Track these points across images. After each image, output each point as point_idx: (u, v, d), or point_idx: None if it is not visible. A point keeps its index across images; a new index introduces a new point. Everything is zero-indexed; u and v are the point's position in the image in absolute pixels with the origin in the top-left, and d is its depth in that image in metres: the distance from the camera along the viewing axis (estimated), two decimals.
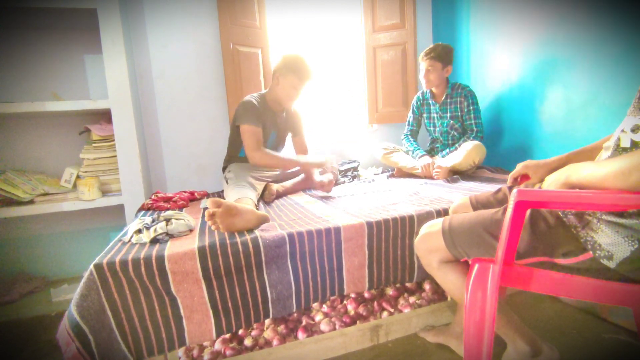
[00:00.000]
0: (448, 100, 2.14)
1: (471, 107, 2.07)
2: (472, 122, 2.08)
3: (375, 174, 2.33)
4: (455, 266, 0.98)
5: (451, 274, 0.97)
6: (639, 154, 0.64)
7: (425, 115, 2.29)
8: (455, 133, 2.17)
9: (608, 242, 0.73)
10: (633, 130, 0.77)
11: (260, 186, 1.70)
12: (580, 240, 0.78)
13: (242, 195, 1.42)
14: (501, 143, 2.23)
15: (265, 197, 1.70)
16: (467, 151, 1.95)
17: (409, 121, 2.35)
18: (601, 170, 0.69)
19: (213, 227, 1.13)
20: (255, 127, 1.69)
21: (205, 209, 1.56)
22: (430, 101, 2.23)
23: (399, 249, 1.26)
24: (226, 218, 1.10)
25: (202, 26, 2.22)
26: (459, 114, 2.13)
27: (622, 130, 0.77)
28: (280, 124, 1.89)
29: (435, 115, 2.23)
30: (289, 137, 2.03)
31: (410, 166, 2.16)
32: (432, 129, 2.28)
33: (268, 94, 1.82)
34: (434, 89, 2.18)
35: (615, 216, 0.73)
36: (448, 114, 2.15)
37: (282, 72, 1.73)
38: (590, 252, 0.76)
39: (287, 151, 2.07)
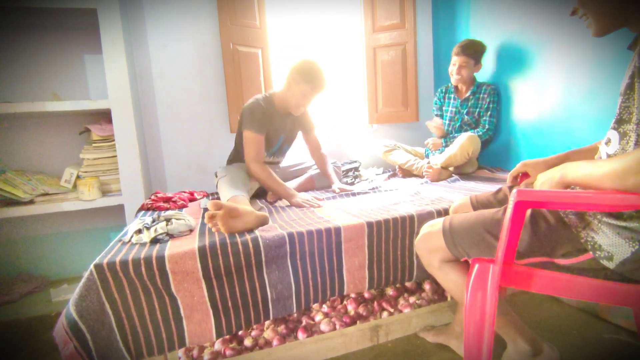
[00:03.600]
0: (471, 97, 2.12)
1: (491, 105, 2.05)
2: (487, 118, 2.07)
3: (376, 174, 2.33)
4: (456, 266, 0.98)
5: (452, 273, 0.97)
6: (635, 155, 0.63)
7: (443, 108, 2.27)
8: (468, 128, 2.15)
9: (608, 242, 0.73)
10: (606, 143, 0.77)
11: (255, 183, 1.68)
12: (580, 241, 0.78)
13: (236, 193, 1.40)
14: (500, 142, 2.23)
15: (268, 197, 1.69)
16: (461, 143, 1.95)
17: (433, 110, 2.33)
18: (598, 170, 0.68)
19: (213, 229, 1.12)
20: (258, 135, 1.62)
21: (205, 209, 1.57)
22: (452, 95, 2.21)
23: (399, 249, 1.26)
24: (227, 220, 1.10)
25: (202, 26, 2.22)
26: (477, 110, 2.10)
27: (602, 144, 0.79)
28: (288, 126, 1.83)
29: (452, 109, 2.20)
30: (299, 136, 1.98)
31: (409, 164, 2.16)
32: (446, 122, 2.24)
33: (277, 95, 1.75)
34: (459, 85, 2.16)
35: (616, 219, 0.73)
36: (465, 110, 2.14)
37: (294, 78, 1.65)
38: (590, 253, 0.76)
39: (292, 153, 2.05)
